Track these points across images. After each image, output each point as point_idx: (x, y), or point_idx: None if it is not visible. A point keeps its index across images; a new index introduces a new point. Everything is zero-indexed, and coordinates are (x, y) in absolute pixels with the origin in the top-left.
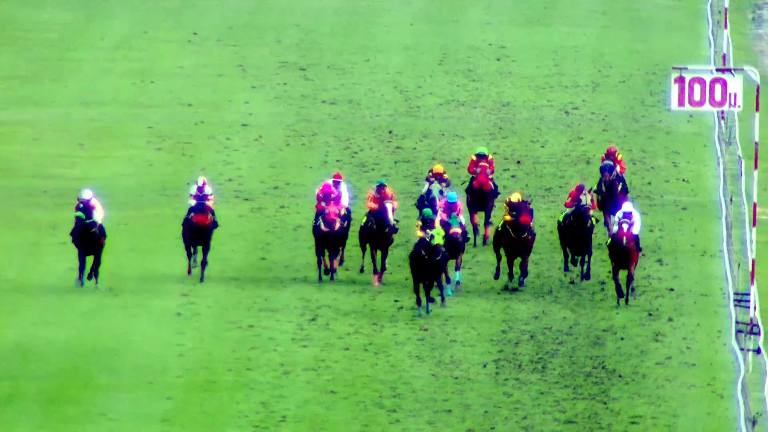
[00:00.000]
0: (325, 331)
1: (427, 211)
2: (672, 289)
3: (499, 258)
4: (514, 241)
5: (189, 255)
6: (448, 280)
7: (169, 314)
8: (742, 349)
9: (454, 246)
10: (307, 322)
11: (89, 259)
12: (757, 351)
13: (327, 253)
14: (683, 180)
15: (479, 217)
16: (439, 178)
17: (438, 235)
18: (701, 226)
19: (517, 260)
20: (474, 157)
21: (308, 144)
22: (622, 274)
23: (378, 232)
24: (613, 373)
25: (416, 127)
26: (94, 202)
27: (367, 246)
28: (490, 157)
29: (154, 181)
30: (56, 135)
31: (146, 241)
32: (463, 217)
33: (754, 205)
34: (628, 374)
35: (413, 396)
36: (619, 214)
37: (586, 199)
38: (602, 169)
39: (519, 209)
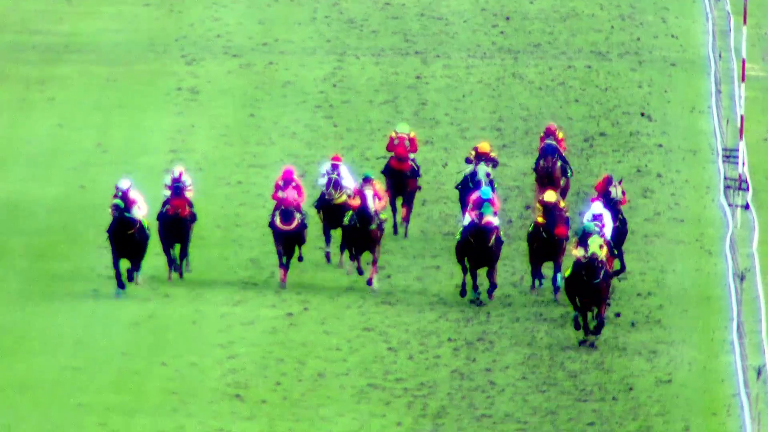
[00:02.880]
0: (313, 189)
1: (486, 190)
2: (660, 145)
3: (533, 263)
4: (545, 242)
5: (169, 257)
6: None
7: (158, 171)
8: (730, 205)
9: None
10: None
11: (125, 262)
12: (746, 207)
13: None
14: (672, 36)
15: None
16: (485, 157)
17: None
18: (690, 82)
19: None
20: (393, 134)
21: (297, 0)
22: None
23: (362, 231)
24: None
25: None
26: (134, 194)
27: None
28: (412, 134)
29: (142, 37)
30: None
31: (135, 97)
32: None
33: (743, 61)
34: None
35: (402, 252)
36: (588, 216)
37: (617, 191)
38: (544, 151)
39: (554, 217)
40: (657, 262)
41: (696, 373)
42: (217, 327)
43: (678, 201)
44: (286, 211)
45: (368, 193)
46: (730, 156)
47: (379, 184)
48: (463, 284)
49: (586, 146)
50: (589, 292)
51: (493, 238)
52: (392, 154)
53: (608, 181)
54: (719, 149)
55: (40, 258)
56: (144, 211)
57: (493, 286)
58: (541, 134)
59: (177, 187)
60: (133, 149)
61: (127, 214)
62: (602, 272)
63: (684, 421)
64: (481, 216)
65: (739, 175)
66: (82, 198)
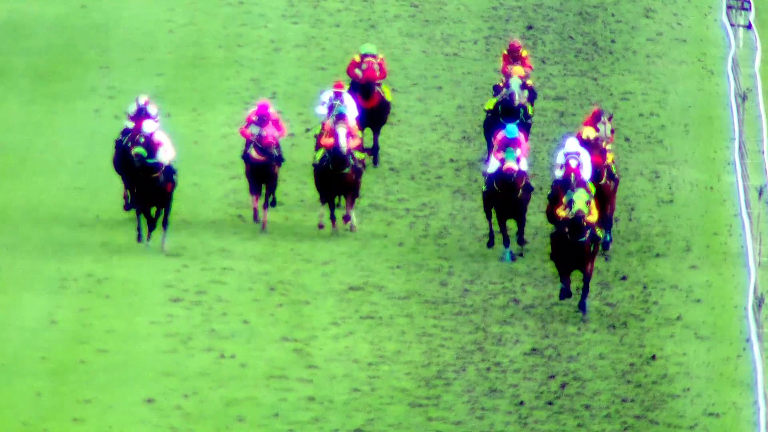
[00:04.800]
0: (316, 9)
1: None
2: None
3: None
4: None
5: (126, 201)
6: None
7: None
8: (732, 25)
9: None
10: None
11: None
12: (748, 26)
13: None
14: None
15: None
16: (522, 81)
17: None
18: None
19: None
20: (357, 58)
21: None
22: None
23: (335, 174)
24: (604, 49)
25: None
26: (161, 137)
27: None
28: (380, 56)
29: None
30: None
31: None
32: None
33: None
34: (619, 50)
35: (404, 73)
36: (560, 156)
37: (605, 128)
38: (508, 77)
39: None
40: (659, 82)
41: (697, 193)
42: (218, 147)
43: (680, 21)
44: (263, 146)
45: (341, 131)
46: None
47: (353, 123)
48: (491, 234)
49: None
50: (573, 251)
51: (522, 185)
52: (354, 80)
53: (598, 116)
54: None
55: (41, 78)
56: (171, 155)
57: (522, 241)
58: (503, 52)
59: (140, 113)
60: None
61: (150, 160)
62: (588, 231)
63: (685, 241)
64: (503, 161)
65: None
66: (84, 18)
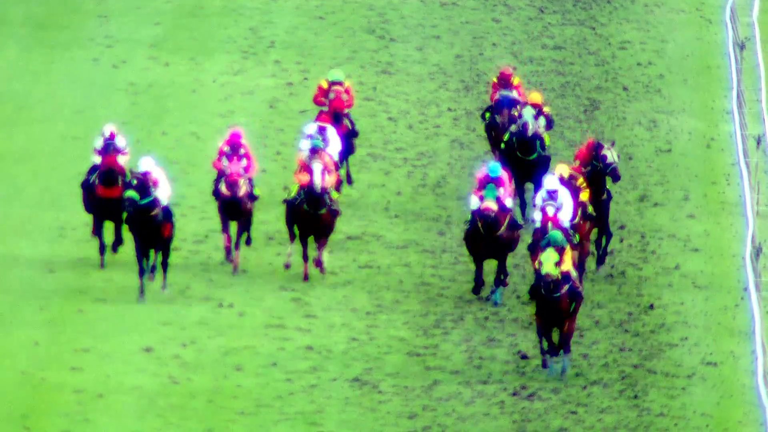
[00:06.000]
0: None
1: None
2: None
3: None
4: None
5: (102, 245)
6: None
7: None
8: None
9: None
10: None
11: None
12: None
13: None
14: None
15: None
16: (537, 110)
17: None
18: None
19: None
20: (324, 84)
21: None
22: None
23: (310, 214)
24: None
25: None
26: (156, 174)
27: (296, 230)
28: (347, 84)
29: None
30: None
31: None
32: (510, 199)
33: None
34: None
35: (402, 22)
36: (541, 193)
37: (612, 154)
38: (499, 104)
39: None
40: (657, 32)
41: (695, 142)
42: (216, 96)
43: None
44: (229, 182)
45: (316, 167)
46: None
47: (329, 157)
48: (477, 279)
49: None
50: (548, 308)
51: (505, 224)
52: (321, 108)
53: (594, 147)
54: None
55: (39, 27)
56: (167, 192)
57: (501, 282)
58: (493, 80)
59: (108, 148)
60: None
61: (144, 201)
62: (566, 287)
63: (683, 190)
64: (482, 199)
65: None
66: None
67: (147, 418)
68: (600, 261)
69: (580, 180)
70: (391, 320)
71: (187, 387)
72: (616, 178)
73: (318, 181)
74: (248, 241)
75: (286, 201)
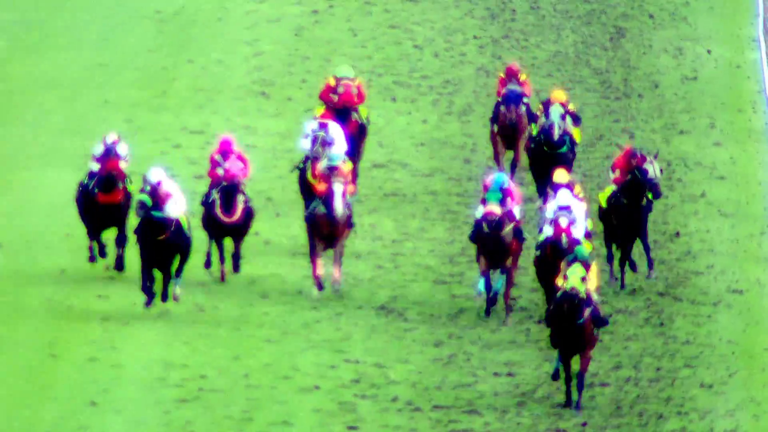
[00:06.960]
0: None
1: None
2: None
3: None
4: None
5: (93, 246)
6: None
7: None
8: None
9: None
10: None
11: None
12: None
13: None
14: None
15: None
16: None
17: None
18: None
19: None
20: (332, 81)
21: None
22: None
23: (329, 226)
24: None
25: None
26: (169, 187)
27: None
28: (358, 80)
29: None
30: None
31: None
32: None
33: None
34: None
35: None
36: (552, 206)
37: (654, 169)
38: (506, 99)
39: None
40: None
41: (722, 70)
42: (242, 24)
43: None
44: (227, 193)
45: (337, 188)
46: None
47: (347, 166)
48: (487, 295)
49: None
50: (570, 333)
51: (509, 231)
52: (328, 104)
53: (632, 155)
54: None
55: None
56: (181, 207)
57: (505, 294)
58: (501, 76)
59: (109, 153)
60: None
61: (157, 213)
62: (588, 310)
63: (709, 118)
64: (485, 203)
65: None
66: None
67: (173, 346)
68: (650, 266)
69: (577, 188)
70: (416, 248)
71: (213, 315)
72: (657, 195)
73: (339, 208)
74: (236, 267)
75: (306, 216)
